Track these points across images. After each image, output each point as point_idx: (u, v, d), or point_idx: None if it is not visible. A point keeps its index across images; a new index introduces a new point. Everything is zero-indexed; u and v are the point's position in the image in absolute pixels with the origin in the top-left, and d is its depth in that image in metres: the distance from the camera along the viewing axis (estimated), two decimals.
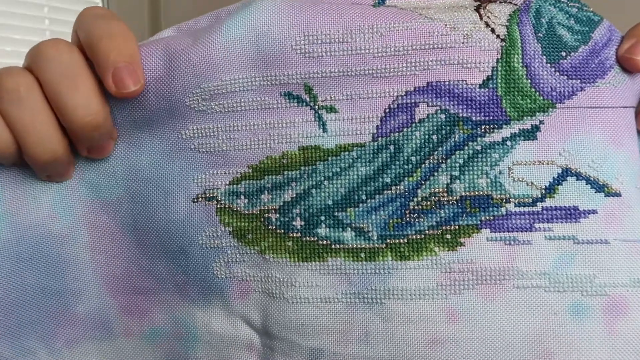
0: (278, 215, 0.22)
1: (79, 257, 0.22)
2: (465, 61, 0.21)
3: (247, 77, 0.21)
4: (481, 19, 0.21)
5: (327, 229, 0.22)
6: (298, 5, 0.21)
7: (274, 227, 0.22)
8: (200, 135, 0.22)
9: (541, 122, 0.21)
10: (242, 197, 0.22)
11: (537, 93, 0.21)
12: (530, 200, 0.21)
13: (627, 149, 0.21)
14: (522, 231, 0.21)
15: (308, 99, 0.22)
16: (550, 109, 0.21)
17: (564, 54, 0.21)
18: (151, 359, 0.24)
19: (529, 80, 0.21)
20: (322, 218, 0.22)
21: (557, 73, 0.21)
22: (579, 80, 0.21)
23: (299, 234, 0.22)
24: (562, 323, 0.20)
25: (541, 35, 0.21)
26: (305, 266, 0.22)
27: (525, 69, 0.21)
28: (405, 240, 0.21)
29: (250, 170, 0.22)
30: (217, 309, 0.22)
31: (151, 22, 1.10)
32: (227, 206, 0.22)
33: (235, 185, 0.22)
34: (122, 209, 0.23)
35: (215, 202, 0.22)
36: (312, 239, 0.22)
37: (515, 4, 0.22)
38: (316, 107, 0.21)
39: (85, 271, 0.22)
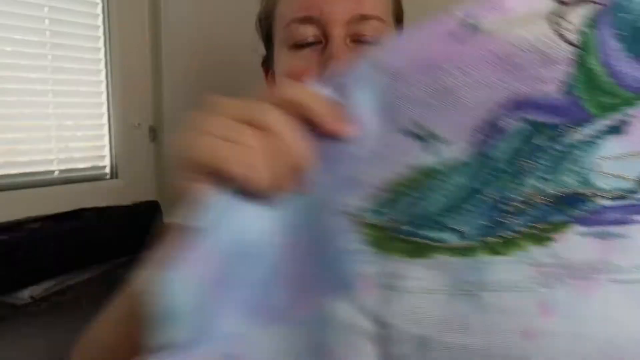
0: (397, 224, 0.26)
1: (269, 259, 0.28)
2: (542, 76, 0.23)
3: (373, 122, 0.26)
4: (553, 30, 0.22)
5: (431, 232, 0.25)
6: (401, 68, 0.25)
7: (394, 234, 0.26)
8: (347, 168, 0.27)
9: (630, 115, 0.22)
10: (373, 212, 0.26)
11: (621, 88, 0.22)
12: (624, 193, 0.22)
13: None
14: (616, 224, 0.21)
15: (418, 132, 0.25)
16: (637, 101, 0.22)
17: None
18: (295, 342, 0.27)
19: (611, 78, 0.22)
20: (428, 223, 0.25)
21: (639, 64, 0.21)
22: None
23: (410, 237, 0.25)
24: None
25: (624, 34, 0.22)
26: (415, 262, 0.25)
27: (604, 68, 0.22)
28: (499, 239, 0.23)
29: (378, 191, 0.26)
30: (343, 302, 0.26)
31: (151, 22, 1.10)
32: (362, 219, 0.26)
33: (367, 203, 0.26)
34: (289, 230, 0.28)
35: (352, 216, 0.26)
36: (420, 240, 0.25)
37: (599, 3, 0.22)
38: (424, 136, 0.25)
39: (271, 270, 0.27)
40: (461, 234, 0.24)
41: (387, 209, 0.26)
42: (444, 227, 0.25)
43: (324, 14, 0.49)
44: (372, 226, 0.27)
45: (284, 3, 0.53)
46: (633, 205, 0.21)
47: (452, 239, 0.24)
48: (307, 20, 0.50)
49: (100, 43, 1.01)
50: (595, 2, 0.22)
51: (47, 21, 0.91)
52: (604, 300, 0.21)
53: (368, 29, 0.50)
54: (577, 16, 0.22)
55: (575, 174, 0.22)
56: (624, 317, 0.20)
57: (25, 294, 0.72)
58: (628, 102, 0.22)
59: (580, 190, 0.22)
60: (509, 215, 0.23)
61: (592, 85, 0.22)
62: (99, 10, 1.00)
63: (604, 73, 0.22)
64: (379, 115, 0.26)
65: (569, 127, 0.23)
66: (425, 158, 0.25)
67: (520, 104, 0.23)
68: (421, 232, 0.25)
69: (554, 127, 0.23)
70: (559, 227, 0.22)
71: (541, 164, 0.23)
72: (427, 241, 0.25)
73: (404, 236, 0.26)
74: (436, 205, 0.25)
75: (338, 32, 0.49)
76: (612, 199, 0.22)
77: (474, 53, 0.23)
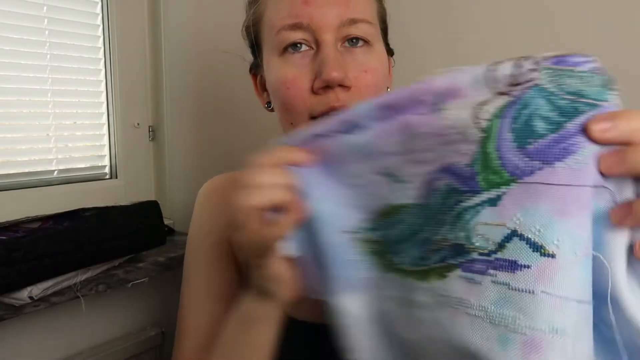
0: (377, 245, 0.35)
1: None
2: (460, 150, 0.29)
3: (361, 165, 0.35)
4: (475, 117, 0.28)
5: (393, 255, 0.34)
6: (381, 128, 0.33)
7: (377, 252, 0.35)
8: (344, 196, 0.37)
9: (503, 193, 0.28)
10: (367, 232, 0.36)
11: (504, 170, 0.28)
12: (487, 251, 0.28)
13: (573, 220, 0.26)
14: (478, 273, 0.28)
15: (390, 176, 0.34)
16: (512, 183, 0.27)
17: (531, 140, 0.27)
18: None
19: (499, 161, 0.28)
20: (391, 248, 0.35)
21: (523, 155, 0.27)
22: (539, 161, 0.27)
23: (384, 256, 0.35)
24: (491, 347, 0.27)
25: (516, 126, 0.27)
26: (385, 276, 0.35)
27: (496, 152, 0.28)
28: (421, 269, 0.32)
29: (368, 217, 0.36)
30: (352, 299, 0.36)
31: (151, 22, 1.09)
32: (360, 236, 0.37)
33: (362, 225, 0.36)
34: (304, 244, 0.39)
35: (353, 234, 0.37)
36: (387, 260, 0.35)
37: (512, 96, 0.28)
38: (394, 180, 0.33)
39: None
40: (405, 261, 0.33)
41: (372, 231, 0.35)
42: (397, 253, 0.33)
43: (314, 20, 0.49)
44: (366, 242, 0.36)
45: (273, 10, 0.53)
46: (490, 262, 0.28)
47: (400, 263, 0.33)
48: (297, 27, 0.50)
49: (100, 43, 1.01)
50: (509, 95, 0.28)
51: (46, 21, 0.91)
52: (458, 324, 0.29)
53: (358, 32, 0.51)
54: (493, 107, 0.28)
55: (464, 230, 0.29)
56: (465, 337, 0.28)
57: (25, 294, 0.72)
58: (506, 182, 0.28)
59: (465, 244, 0.29)
60: (431, 253, 0.31)
61: (486, 164, 0.28)
62: (98, 9, 1.00)
63: (495, 156, 0.28)
64: (361, 159, 0.35)
65: (467, 194, 0.29)
66: (393, 197, 0.34)
67: (446, 169, 0.30)
68: (386, 253, 0.34)
69: (459, 191, 0.30)
70: (451, 267, 0.30)
71: (450, 217, 0.30)
72: (389, 262, 0.34)
73: (380, 254, 0.35)
74: (395, 235, 0.33)
75: (329, 38, 0.49)
76: (480, 254, 0.28)
77: (427, 125, 0.30)
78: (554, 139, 0.26)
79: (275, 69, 0.52)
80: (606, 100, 0.26)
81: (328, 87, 0.48)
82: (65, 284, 0.78)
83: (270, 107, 0.58)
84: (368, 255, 0.35)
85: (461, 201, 0.29)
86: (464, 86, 0.29)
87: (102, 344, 0.95)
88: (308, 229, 0.37)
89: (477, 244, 0.28)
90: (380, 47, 0.54)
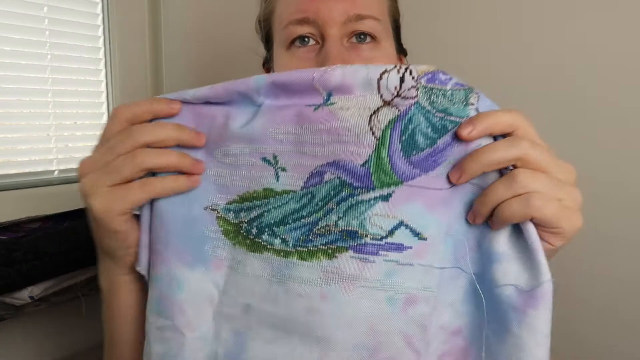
0: (246, 225, 0.38)
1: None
2: (354, 151, 0.35)
3: (243, 146, 0.37)
4: (369, 124, 0.34)
5: (267, 236, 0.37)
6: (273, 113, 0.36)
7: (243, 232, 0.38)
8: (216, 174, 0.39)
9: (393, 191, 0.35)
10: (231, 212, 0.38)
11: (394, 174, 0.35)
12: (379, 237, 0.35)
13: (437, 214, 0.35)
14: (370, 254, 0.35)
15: (273, 162, 0.37)
16: (400, 185, 0.35)
17: (415, 152, 0.34)
18: (151, 296, 0.40)
19: (390, 165, 0.34)
20: (266, 229, 0.37)
21: (408, 163, 0.34)
22: (419, 170, 0.35)
23: (252, 237, 0.38)
24: (382, 307, 0.35)
25: (404, 138, 0.34)
26: (252, 255, 0.38)
27: (388, 158, 0.34)
28: (306, 249, 0.36)
29: (237, 198, 0.38)
30: (199, 273, 0.38)
31: (151, 22, 1.09)
32: (222, 216, 0.39)
33: (228, 205, 0.39)
34: (164, 204, 0.39)
35: (216, 212, 0.39)
36: (259, 240, 0.38)
37: (399, 110, 0.34)
38: (276, 167, 0.37)
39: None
40: (284, 241, 0.37)
41: (241, 212, 0.38)
42: (274, 235, 0.37)
43: (321, 15, 0.50)
44: (228, 222, 0.38)
45: (282, 5, 0.54)
46: (381, 245, 0.35)
47: (277, 243, 0.37)
48: (304, 21, 0.51)
49: (100, 43, 1.01)
50: (397, 108, 0.34)
51: (46, 21, 0.91)
52: (355, 296, 0.35)
53: (364, 28, 0.51)
54: (385, 118, 0.34)
55: (357, 219, 0.35)
56: (362, 304, 0.35)
57: (25, 294, 0.72)
58: (395, 183, 0.35)
59: (357, 230, 0.35)
60: (315, 236, 0.36)
61: (378, 167, 0.35)
62: (98, 9, 1.00)
63: (387, 161, 0.34)
64: (247, 140, 0.37)
65: (361, 189, 0.35)
66: (273, 182, 0.37)
67: (337, 165, 0.35)
68: (260, 234, 0.37)
69: (352, 186, 0.35)
70: (341, 249, 0.35)
71: (340, 207, 0.36)
72: (262, 242, 0.37)
73: (248, 235, 0.38)
74: (273, 218, 0.37)
75: (334, 32, 0.50)
76: (372, 239, 0.35)
77: (321, 122, 0.35)
78: (429, 152, 0.34)
79: (281, 62, 0.53)
80: (467, 115, 0.33)
81: None
82: (65, 284, 0.79)
83: None
84: (226, 234, 0.38)
85: (354, 195, 0.35)
86: (355, 85, 0.34)
87: (103, 344, 0.95)
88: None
89: (371, 231, 0.35)
90: (388, 44, 0.54)
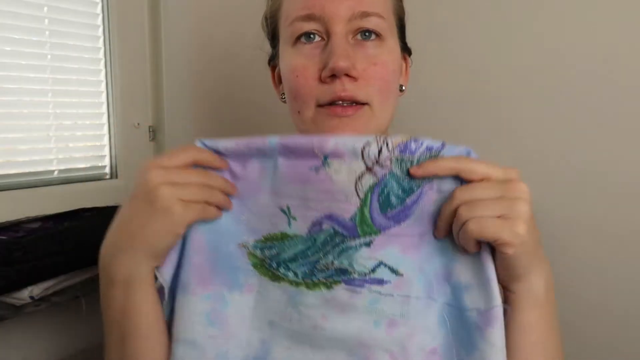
0: (269, 260, 0.48)
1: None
2: (344, 208, 0.45)
3: (268, 198, 0.48)
4: (355, 187, 0.44)
5: (283, 270, 0.48)
6: (286, 172, 0.47)
7: (266, 265, 0.49)
8: (247, 219, 0.49)
9: (374, 239, 0.45)
10: (258, 249, 0.49)
11: (374, 226, 0.45)
12: (364, 273, 0.45)
13: (410, 255, 0.45)
14: (357, 286, 0.45)
15: (287, 212, 0.47)
16: (379, 234, 0.45)
17: (389, 209, 0.45)
18: (202, 309, 0.48)
19: (371, 219, 0.45)
20: (283, 264, 0.48)
21: (384, 217, 0.45)
22: (393, 222, 0.45)
23: (274, 270, 0.48)
24: (369, 328, 0.45)
25: (381, 199, 0.44)
26: (272, 284, 0.48)
27: (369, 214, 0.45)
28: (311, 281, 0.47)
29: (263, 238, 0.49)
30: (237, 295, 0.49)
31: (151, 22, 1.09)
32: (251, 252, 0.49)
33: (256, 243, 0.49)
34: (211, 237, 0.49)
35: (247, 249, 0.49)
36: (277, 273, 0.48)
37: (377, 177, 0.44)
38: (289, 216, 0.47)
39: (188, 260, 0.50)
40: (295, 274, 0.47)
41: (265, 250, 0.48)
42: (288, 269, 0.47)
43: (326, 11, 0.50)
44: (256, 257, 0.49)
45: (289, 2, 0.54)
46: (366, 280, 0.45)
47: (291, 276, 0.47)
48: (309, 18, 0.51)
49: (100, 43, 1.01)
50: (375, 175, 0.44)
51: (46, 21, 0.91)
52: (347, 318, 0.45)
53: (369, 25, 0.51)
54: (367, 183, 0.44)
55: (347, 260, 0.46)
56: (352, 325, 0.45)
57: (25, 294, 0.72)
58: (375, 232, 0.45)
59: (348, 268, 0.46)
60: (317, 271, 0.46)
61: (362, 221, 0.45)
62: (98, 10, 1.00)
63: (368, 217, 0.45)
64: (270, 193, 0.47)
65: (349, 237, 0.46)
66: (287, 228, 0.48)
67: (331, 217, 0.46)
68: (278, 268, 0.48)
69: (343, 235, 0.46)
70: (336, 282, 0.46)
71: (335, 250, 0.46)
72: (280, 274, 0.48)
73: (270, 268, 0.48)
74: (287, 256, 0.47)
75: (339, 29, 0.50)
76: (358, 275, 0.45)
77: (320, 182, 0.45)
78: (400, 209, 0.45)
79: (287, 58, 0.54)
80: (430, 179, 0.43)
81: (335, 76, 0.49)
82: (66, 284, 0.79)
83: (284, 99, 0.58)
84: (255, 267, 0.48)
85: (344, 241, 0.46)
86: (345, 152, 0.44)
87: (103, 344, 0.95)
88: (210, 228, 0.48)
89: (357, 269, 0.45)
90: (393, 42, 0.55)
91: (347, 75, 0.49)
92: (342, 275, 0.45)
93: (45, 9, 0.91)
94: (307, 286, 0.47)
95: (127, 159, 1.07)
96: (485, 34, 0.80)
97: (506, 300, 0.45)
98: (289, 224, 0.47)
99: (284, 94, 0.58)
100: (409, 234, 0.45)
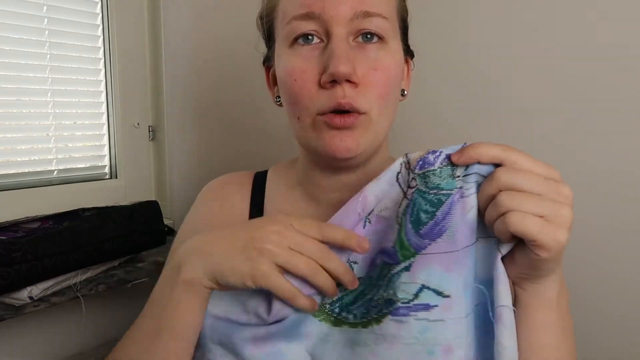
0: (329, 306, 0.47)
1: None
2: (389, 238, 0.44)
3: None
4: (396, 217, 0.44)
5: (345, 313, 0.47)
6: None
7: (327, 311, 0.47)
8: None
9: (412, 262, 0.42)
10: (318, 296, 0.47)
11: (411, 247, 0.42)
12: (407, 300, 0.42)
13: (455, 273, 0.41)
14: (402, 316, 0.42)
15: (351, 262, 0.47)
16: (416, 255, 0.42)
17: (421, 227, 0.42)
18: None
19: (408, 242, 0.43)
20: (345, 308, 0.47)
21: (417, 236, 0.42)
22: (427, 240, 0.42)
23: (336, 315, 0.47)
24: (423, 359, 0.42)
25: (412, 219, 0.42)
26: (335, 328, 0.47)
27: (406, 236, 0.43)
28: (366, 320, 0.45)
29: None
30: (295, 344, 0.48)
31: (151, 22, 1.09)
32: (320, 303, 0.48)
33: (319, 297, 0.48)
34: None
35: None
36: (340, 317, 0.47)
37: (408, 199, 0.43)
38: (349, 262, 0.47)
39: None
40: (355, 316, 0.46)
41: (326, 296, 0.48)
42: (350, 312, 0.46)
43: (326, 11, 0.48)
44: (328, 312, 0.48)
45: (286, 0, 0.51)
46: (410, 307, 0.42)
47: (351, 318, 0.46)
48: (308, 17, 0.48)
49: (100, 43, 1.01)
50: (407, 197, 0.44)
51: (46, 21, 0.91)
52: (397, 352, 0.42)
53: (371, 27, 0.49)
54: (402, 208, 0.44)
55: (392, 289, 0.43)
56: (403, 359, 0.42)
57: (25, 294, 0.72)
58: (413, 255, 0.42)
59: (392, 297, 0.43)
60: (371, 307, 0.44)
61: (401, 245, 0.43)
62: (98, 9, 1.00)
63: (405, 239, 0.43)
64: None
65: (393, 265, 0.43)
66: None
67: (382, 251, 0.45)
68: (341, 312, 0.47)
69: (389, 264, 0.44)
70: (384, 315, 0.43)
71: (384, 282, 0.44)
72: (342, 318, 0.47)
73: (332, 313, 0.47)
74: (349, 300, 0.47)
75: (340, 30, 0.48)
76: (402, 303, 0.42)
77: (370, 230, 0.46)
78: (432, 224, 0.42)
79: (284, 60, 0.51)
80: (455, 187, 0.41)
81: (335, 81, 0.47)
82: (65, 284, 0.78)
83: (279, 101, 0.56)
84: (314, 315, 0.48)
85: (390, 270, 0.43)
86: (382, 193, 0.46)
87: (102, 344, 0.95)
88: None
89: (400, 296, 0.42)
90: (395, 45, 0.52)
91: (347, 80, 0.47)
92: (389, 306, 0.43)
93: (45, 8, 0.91)
94: (363, 325, 0.45)
95: (127, 159, 1.07)
96: (491, 34, 0.80)
97: (516, 299, 0.43)
98: (352, 268, 0.47)
99: (278, 96, 0.55)
100: (449, 249, 0.41)
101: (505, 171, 0.38)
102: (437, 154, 0.41)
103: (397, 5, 0.53)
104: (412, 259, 0.42)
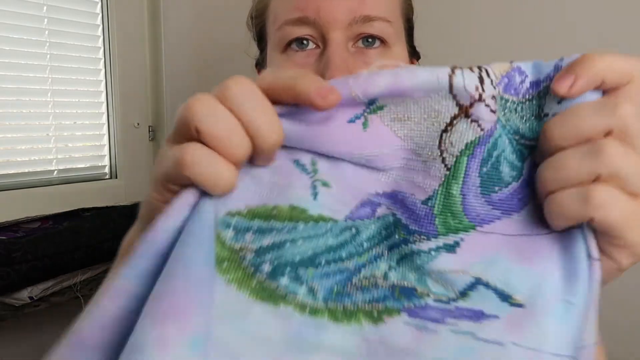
0: (253, 256, 0.25)
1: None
2: (418, 181, 0.26)
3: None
4: (439, 147, 0.25)
5: (288, 280, 0.25)
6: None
7: (247, 265, 0.25)
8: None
9: (462, 239, 0.25)
10: (231, 229, 0.25)
11: (465, 216, 0.25)
12: (446, 298, 0.25)
13: (538, 268, 0.24)
14: (432, 321, 0.24)
15: (310, 170, 0.26)
16: (471, 230, 0.25)
17: (497, 188, 0.25)
18: None
19: (462, 206, 0.25)
20: (287, 270, 0.25)
21: (486, 203, 0.25)
22: (500, 211, 0.25)
23: (264, 277, 0.25)
24: None
25: (485, 170, 0.25)
26: (260, 305, 0.24)
27: (461, 196, 0.25)
28: (342, 307, 0.25)
29: (245, 210, 0.26)
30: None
31: (151, 22, 1.09)
32: (217, 232, 0.25)
33: (229, 217, 0.25)
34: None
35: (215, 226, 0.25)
36: (273, 284, 0.25)
37: (482, 129, 0.25)
38: (314, 178, 0.26)
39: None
40: (312, 291, 0.25)
41: (247, 233, 0.25)
42: (298, 279, 0.25)
43: (322, 14, 0.43)
44: (224, 244, 0.25)
45: (277, 1, 0.47)
46: (449, 310, 0.24)
47: (303, 293, 0.25)
48: (301, 22, 0.44)
49: (100, 43, 1.01)
50: (480, 126, 0.25)
51: (46, 20, 0.91)
52: None
53: (373, 31, 0.44)
54: (462, 138, 0.25)
55: (416, 272, 0.25)
56: None
57: (25, 294, 0.72)
58: (465, 229, 0.25)
59: (416, 286, 0.25)
60: (356, 289, 0.25)
61: (446, 206, 0.26)
62: (98, 9, 1.00)
63: (458, 201, 0.25)
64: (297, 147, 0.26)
65: (418, 235, 0.26)
66: (307, 200, 0.26)
67: (395, 198, 0.26)
68: (276, 275, 0.25)
69: (408, 230, 0.26)
70: (391, 311, 0.25)
71: (393, 254, 0.26)
72: (279, 287, 0.25)
73: (257, 272, 0.25)
74: (299, 254, 0.25)
75: (337, 36, 0.43)
76: (436, 300, 0.25)
77: (371, 138, 0.26)
78: (515, 187, 0.25)
79: (276, 66, 0.46)
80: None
81: None
82: (65, 284, 0.78)
83: None
84: (218, 262, 0.25)
85: (410, 242, 0.25)
86: (413, 87, 0.24)
87: None
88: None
89: (433, 290, 0.25)
90: (400, 49, 0.47)
91: None
92: (405, 299, 0.25)
93: (45, 8, 0.91)
94: (334, 315, 0.25)
95: (127, 159, 1.07)
96: (499, 34, 0.80)
97: None
98: (313, 192, 0.26)
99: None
100: (525, 231, 0.25)
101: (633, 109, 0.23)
102: (524, 75, 0.25)
103: (402, 4, 0.48)
104: (461, 234, 0.25)
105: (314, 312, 0.25)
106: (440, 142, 0.25)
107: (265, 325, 0.24)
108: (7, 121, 0.88)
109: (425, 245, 0.25)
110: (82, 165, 1.00)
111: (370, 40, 0.45)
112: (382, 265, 0.26)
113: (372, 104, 0.25)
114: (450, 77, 0.24)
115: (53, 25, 0.92)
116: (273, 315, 0.24)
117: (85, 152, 1.01)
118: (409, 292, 0.25)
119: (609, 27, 0.70)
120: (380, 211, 0.26)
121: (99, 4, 1.00)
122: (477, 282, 0.24)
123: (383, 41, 0.45)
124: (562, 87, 0.23)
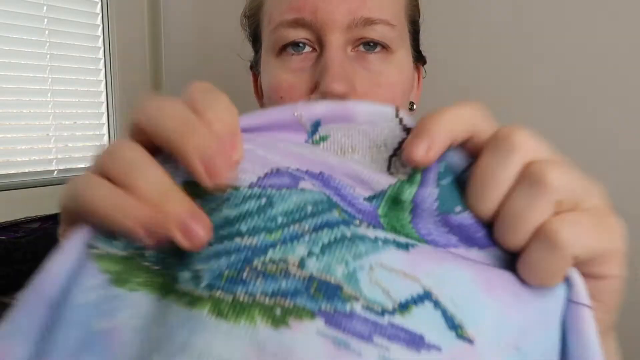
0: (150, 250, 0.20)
1: None
2: (363, 175, 0.21)
3: None
4: (388, 170, 0.22)
5: (176, 266, 0.20)
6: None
7: (147, 264, 0.20)
8: None
9: (415, 244, 0.20)
10: (119, 240, 0.20)
11: (414, 230, 0.21)
12: (380, 309, 0.18)
13: (500, 303, 0.19)
14: (356, 337, 0.18)
15: None
16: (423, 243, 0.21)
17: (458, 209, 0.21)
18: None
19: (410, 216, 0.21)
20: (166, 253, 0.20)
21: (440, 223, 0.21)
22: (457, 238, 0.21)
23: (157, 267, 0.20)
24: None
25: (444, 183, 0.21)
26: (139, 294, 0.19)
27: (412, 205, 0.21)
28: (231, 297, 0.18)
29: None
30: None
31: (151, 22, 1.09)
32: (105, 251, 0.20)
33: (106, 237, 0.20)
34: None
35: (92, 249, 0.20)
36: (145, 264, 0.20)
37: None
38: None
39: None
40: (196, 276, 0.19)
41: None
42: (185, 263, 0.19)
43: (319, 16, 0.40)
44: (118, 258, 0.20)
45: (272, 1, 0.44)
46: (380, 326, 0.18)
47: (185, 281, 0.19)
48: (297, 24, 0.41)
49: (100, 43, 1.01)
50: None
51: (46, 21, 0.91)
52: None
53: (374, 35, 0.41)
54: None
55: (346, 264, 0.19)
56: None
57: None
58: (416, 239, 0.21)
59: (342, 284, 0.19)
60: (255, 274, 0.18)
61: (393, 214, 0.21)
62: (98, 9, 1.00)
63: (408, 209, 0.21)
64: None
65: (360, 221, 0.20)
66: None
67: (326, 182, 0.21)
68: (157, 260, 0.20)
69: (348, 213, 0.21)
70: (302, 313, 0.18)
71: (319, 236, 0.19)
72: (164, 275, 0.19)
73: (149, 264, 0.20)
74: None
75: (335, 39, 0.40)
76: (365, 308, 0.18)
77: (318, 163, 0.22)
78: (476, 220, 0.21)
79: (271, 71, 0.43)
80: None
81: None
82: None
83: None
84: (98, 260, 0.21)
85: (346, 222, 0.20)
86: (357, 112, 0.22)
87: None
88: None
89: (366, 293, 0.19)
90: (403, 54, 0.44)
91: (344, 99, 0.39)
92: (324, 298, 0.18)
93: (45, 8, 0.91)
94: (218, 308, 0.18)
95: None
96: (506, 38, 0.80)
97: None
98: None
99: None
100: (498, 265, 0.21)
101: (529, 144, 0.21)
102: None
103: (407, 6, 0.45)
104: (414, 241, 0.21)
105: (192, 302, 0.18)
106: (389, 166, 0.22)
107: (143, 318, 0.19)
108: (7, 121, 0.88)
109: (371, 233, 0.20)
110: (82, 165, 1.00)
111: (371, 44, 0.42)
112: (300, 249, 0.19)
113: (315, 132, 0.22)
114: (397, 108, 0.22)
115: (53, 25, 0.92)
116: (153, 305, 0.19)
117: (86, 152, 1.01)
118: (331, 291, 0.18)
119: (612, 29, 0.70)
120: (305, 185, 0.20)
121: (99, 3, 1.00)
122: (426, 297, 0.19)
123: (385, 46, 0.42)
124: (417, 153, 0.20)
